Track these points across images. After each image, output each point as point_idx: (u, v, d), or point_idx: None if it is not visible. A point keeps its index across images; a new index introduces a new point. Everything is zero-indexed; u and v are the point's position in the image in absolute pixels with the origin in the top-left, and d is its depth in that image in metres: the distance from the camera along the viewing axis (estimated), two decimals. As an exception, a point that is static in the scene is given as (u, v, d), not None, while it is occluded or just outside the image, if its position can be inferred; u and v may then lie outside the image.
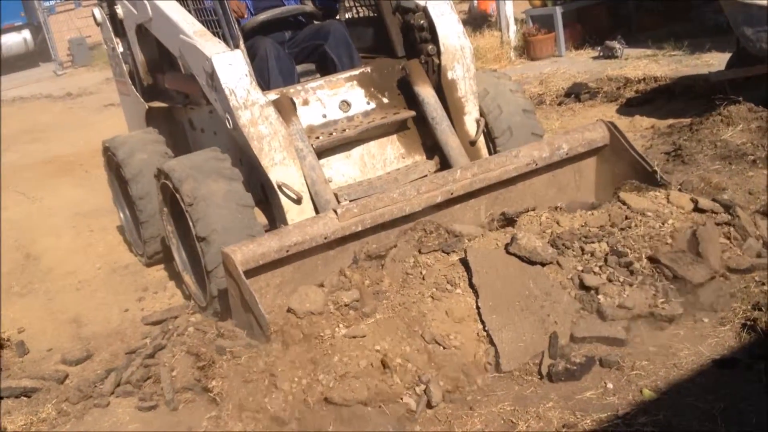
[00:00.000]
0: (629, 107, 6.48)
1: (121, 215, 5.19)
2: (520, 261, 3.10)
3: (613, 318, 2.97)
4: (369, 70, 4.07)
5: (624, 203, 3.44)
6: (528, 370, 2.88)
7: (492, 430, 2.61)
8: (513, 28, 9.98)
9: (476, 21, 11.98)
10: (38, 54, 21.03)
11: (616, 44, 8.42)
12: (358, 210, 3.26)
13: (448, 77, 3.95)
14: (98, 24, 5.25)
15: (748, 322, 2.88)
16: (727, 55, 6.06)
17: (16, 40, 20.95)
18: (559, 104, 7.19)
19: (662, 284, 3.08)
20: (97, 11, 5.17)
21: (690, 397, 2.57)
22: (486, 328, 2.89)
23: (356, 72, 4.06)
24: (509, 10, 10.01)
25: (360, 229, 3.27)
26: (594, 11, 9.63)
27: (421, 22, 4.00)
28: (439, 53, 3.92)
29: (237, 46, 3.66)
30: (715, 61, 7.07)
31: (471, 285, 3.01)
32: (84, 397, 3.33)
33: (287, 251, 3.12)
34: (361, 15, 4.73)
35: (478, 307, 2.95)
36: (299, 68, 4.30)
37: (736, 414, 2.45)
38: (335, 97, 3.94)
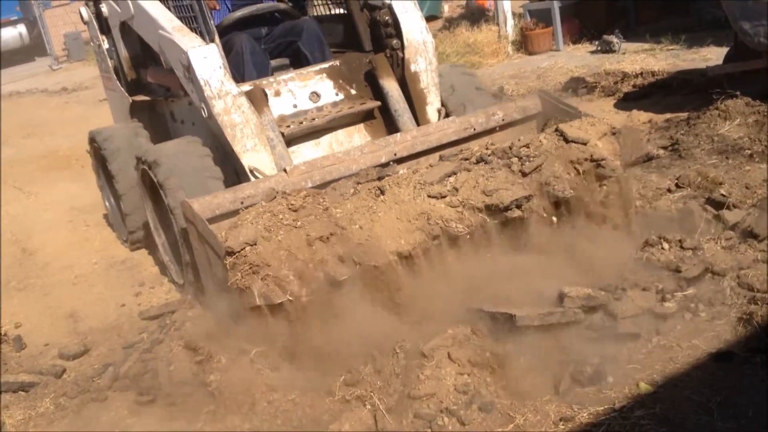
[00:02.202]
0: (627, 101, 6.48)
1: (107, 204, 5.42)
2: None
3: (623, 317, 2.97)
4: (338, 64, 4.29)
5: (557, 131, 3.56)
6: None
7: (489, 424, 2.61)
8: (510, 22, 9.96)
9: (474, 16, 11.96)
10: (34, 48, 21.01)
11: (613, 38, 8.42)
12: (306, 168, 3.53)
13: (411, 70, 4.16)
14: (85, 22, 5.46)
15: (745, 316, 2.89)
16: (724, 50, 6.06)
17: (12, 34, 20.95)
18: (557, 99, 7.19)
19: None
20: (83, 10, 5.38)
21: (686, 391, 2.58)
22: None
23: (326, 65, 4.29)
24: (507, 5, 9.99)
25: (309, 185, 3.47)
26: (592, 5, 9.60)
27: (386, 18, 4.21)
28: (403, 47, 4.15)
29: (212, 41, 3.89)
30: (712, 56, 7.07)
31: None
32: (82, 392, 3.34)
33: (241, 202, 3.30)
34: (332, 12, 4.98)
35: None
36: (274, 63, 4.53)
37: (732, 407, 2.45)
38: (305, 89, 4.16)
